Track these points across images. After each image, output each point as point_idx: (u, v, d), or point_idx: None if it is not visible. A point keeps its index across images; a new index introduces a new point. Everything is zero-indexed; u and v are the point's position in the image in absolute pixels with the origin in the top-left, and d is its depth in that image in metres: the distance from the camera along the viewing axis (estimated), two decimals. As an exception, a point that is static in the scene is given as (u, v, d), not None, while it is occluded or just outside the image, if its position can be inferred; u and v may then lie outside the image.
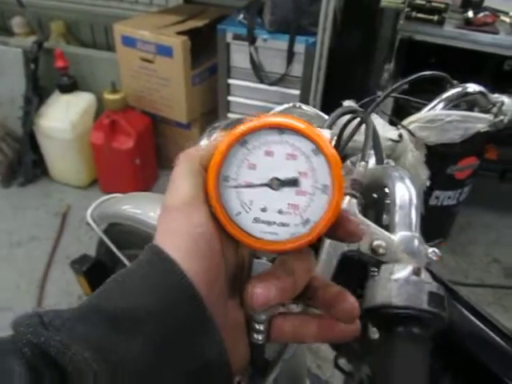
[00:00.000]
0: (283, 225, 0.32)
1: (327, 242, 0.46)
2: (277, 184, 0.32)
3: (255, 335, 0.35)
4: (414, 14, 1.79)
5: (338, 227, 0.33)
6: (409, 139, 0.67)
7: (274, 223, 0.32)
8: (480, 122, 0.67)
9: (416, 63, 1.83)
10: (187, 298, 0.29)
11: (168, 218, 0.32)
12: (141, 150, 2.26)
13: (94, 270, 1.19)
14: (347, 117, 0.52)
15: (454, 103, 0.71)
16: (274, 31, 1.89)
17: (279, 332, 0.36)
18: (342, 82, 2.05)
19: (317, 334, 0.35)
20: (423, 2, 1.76)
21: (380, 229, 0.44)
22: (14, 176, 2.50)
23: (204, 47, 2.14)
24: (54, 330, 0.25)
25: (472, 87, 0.72)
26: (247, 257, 0.36)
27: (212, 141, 0.34)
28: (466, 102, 0.76)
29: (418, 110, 0.72)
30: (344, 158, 0.66)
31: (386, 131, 0.68)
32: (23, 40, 2.52)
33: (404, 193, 0.47)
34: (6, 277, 1.96)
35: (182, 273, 0.29)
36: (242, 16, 2.00)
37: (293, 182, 0.32)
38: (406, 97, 0.78)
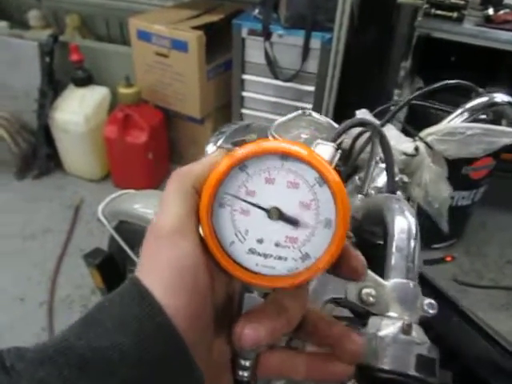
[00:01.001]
0: (280, 258, 0.30)
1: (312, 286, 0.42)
2: (276, 214, 0.29)
3: (240, 372, 0.32)
4: (432, 10, 1.76)
5: (340, 263, 0.30)
6: (426, 152, 0.63)
7: (271, 256, 0.30)
8: (506, 136, 0.62)
9: (434, 61, 1.82)
10: (164, 337, 0.26)
11: (153, 245, 0.29)
12: (154, 144, 2.27)
13: (107, 264, 1.19)
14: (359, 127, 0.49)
15: (479, 114, 0.67)
16: (290, 27, 1.88)
17: (265, 367, 0.33)
18: (358, 79, 2.03)
19: (306, 372, 0.32)
20: (442, -1, 1.73)
21: (371, 273, 0.39)
22: (29, 169, 2.52)
23: (219, 42, 2.13)
24: (16, 376, 0.23)
25: (500, 97, 0.67)
26: (238, 290, 0.34)
27: (209, 158, 0.32)
28: (492, 113, 0.71)
29: (437, 117, 0.68)
30: (355, 170, 0.63)
31: (401, 143, 0.63)
32: (39, 33, 2.53)
33: (403, 231, 0.42)
34: (19, 268, 1.98)
35: (160, 309, 0.26)
36: (257, 11, 1.98)
37: (292, 222, 0.29)
38: (426, 103, 0.74)
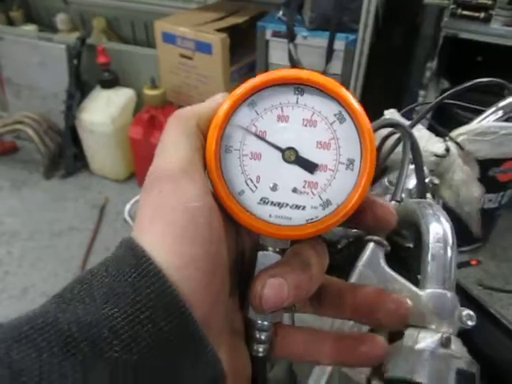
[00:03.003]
0: (297, 207, 0.26)
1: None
2: (292, 156, 0.26)
3: (255, 346, 0.28)
4: (459, 11, 1.73)
5: (364, 212, 0.27)
6: (457, 153, 0.61)
7: (287, 205, 0.26)
8: None
9: (461, 61, 1.79)
10: (166, 306, 0.21)
11: (155, 191, 0.24)
12: (178, 145, 2.28)
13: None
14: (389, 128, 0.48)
15: None
16: (314, 28, 1.88)
17: (287, 347, 0.29)
18: (382, 80, 2.02)
19: (333, 355, 0.29)
20: (469, -1, 1.71)
21: (407, 283, 0.37)
22: (56, 168, 2.57)
23: (243, 44, 2.14)
24: None
25: None
26: (249, 248, 0.29)
27: (213, 98, 0.28)
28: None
29: (465, 117, 0.66)
30: (383, 172, 0.62)
31: (432, 144, 0.61)
32: (67, 36, 2.59)
33: (439, 239, 0.39)
34: (47, 265, 2.02)
35: (160, 273, 0.21)
36: (281, 13, 1.99)
37: (310, 165, 0.26)
38: (458, 103, 0.72)
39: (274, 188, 0.26)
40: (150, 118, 2.22)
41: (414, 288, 0.37)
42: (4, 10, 2.91)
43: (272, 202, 0.26)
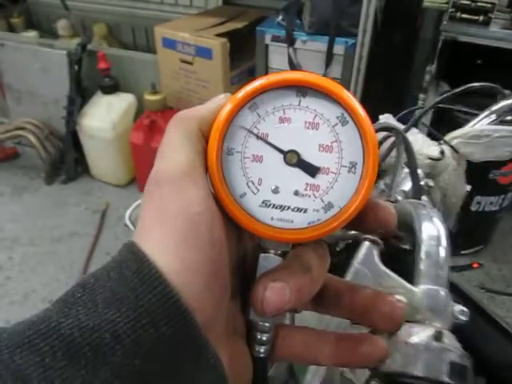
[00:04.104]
0: (299, 210, 0.26)
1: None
2: (294, 158, 0.26)
3: (256, 347, 0.28)
4: (458, 14, 1.74)
5: (366, 214, 0.26)
6: (451, 156, 0.62)
7: (288, 208, 0.26)
8: None
9: (460, 64, 1.79)
10: (168, 311, 0.21)
11: (156, 195, 0.24)
12: (178, 150, 2.29)
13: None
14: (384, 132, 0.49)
15: (506, 116, 0.65)
16: (313, 33, 1.88)
17: (288, 348, 0.29)
18: (382, 84, 2.02)
19: (333, 355, 0.29)
20: (468, 2, 1.71)
21: (401, 280, 0.39)
22: (57, 174, 2.58)
23: (243, 48, 2.15)
24: None
25: None
26: (251, 249, 0.29)
27: (214, 100, 0.27)
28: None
29: (464, 120, 0.67)
30: (379, 175, 0.62)
31: (427, 147, 0.62)
32: (67, 42, 2.61)
33: (432, 237, 0.41)
34: (48, 270, 2.02)
35: (161, 277, 0.21)
36: (280, 18, 2.00)
37: (312, 168, 0.26)
38: (452, 107, 0.73)
39: (276, 191, 0.26)
40: (150, 123, 2.22)
41: (407, 285, 0.38)
42: (5, 17, 2.93)
43: (274, 205, 0.26)
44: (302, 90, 0.26)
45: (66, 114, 2.40)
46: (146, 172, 0.26)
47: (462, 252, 2.04)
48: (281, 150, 0.26)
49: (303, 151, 0.26)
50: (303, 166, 0.26)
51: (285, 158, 0.26)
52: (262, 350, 0.28)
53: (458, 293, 0.44)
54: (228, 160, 0.26)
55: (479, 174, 1.76)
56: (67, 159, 2.53)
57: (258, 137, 0.26)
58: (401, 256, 0.49)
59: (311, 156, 0.26)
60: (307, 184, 0.26)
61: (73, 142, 2.46)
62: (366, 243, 0.39)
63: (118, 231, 2.20)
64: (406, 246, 0.51)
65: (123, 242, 0.24)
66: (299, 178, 0.26)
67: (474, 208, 1.88)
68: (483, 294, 1.88)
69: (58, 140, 2.54)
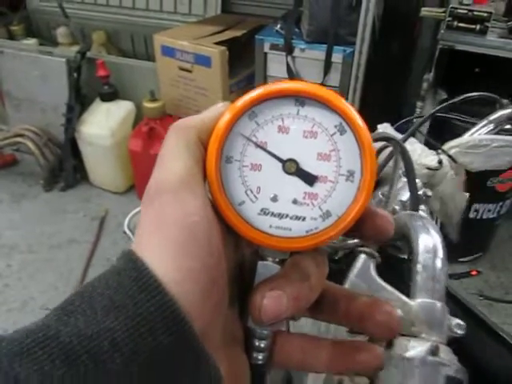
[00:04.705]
0: (297, 218, 0.26)
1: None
2: (292, 167, 0.26)
3: (254, 354, 0.28)
4: (455, 23, 1.75)
5: (364, 222, 0.27)
6: (449, 166, 0.62)
7: (287, 216, 0.26)
8: None
9: (458, 72, 1.81)
10: (166, 320, 0.21)
11: (155, 203, 0.24)
12: (177, 157, 2.29)
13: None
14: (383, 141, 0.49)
15: (504, 125, 0.66)
16: (312, 41, 1.90)
17: (284, 355, 0.29)
18: (381, 92, 2.03)
19: (329, 362, 0.29)
20: (465, 11, 1.72)
21: (397, 293, 0.39)
22: (56, 181, 2.58)
23: (241, 57, 2.16)
24: None
25: None
26: (249, 257, 0.30)
27: (212, 109, 0.28)
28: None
29: (462, 129, 0.67)
30: (377, 184, 0.63)
31: (425, 157, 0.62)
32: (67, 50, 2.61)
33: (428, 250, 0.40)
34: (46, 278, 2.02)
35: (160, 286, 0.21)
36: (279, 26, 2.01)
37: (311, 177, 0.26)
38: (450, 116, 0.74)
39: (274, 199, 0.26)
40: (149, 130, 2.23)
41: (404, 298, 0.38)
42: (5, 24, 2.93)
43: (272, 213, 0.27)
44: (301, 99, 0.26)
45: (64, 121, 2.41)
46: (145, 179, 0.26)
47: (461, 259, 2.05)
48: (280, 159, 0.26)
49: (302, 160, 0.26)
50: (301, 175, 0.26)
51: (283, 167, 0.26)
52: (260, 357, 0.29)
53: (455, 302, 0.44)
54: (227, 168, 0.27)
55: (477, 181, 1.77)
56: (66, 166, 2.53)
57: (256, 145, 0.26)
58: (398, 265, 0.49)
59: (310, 165, 0.26)
60: (305, 193, 0.26)
61: (72, 149, 2.46)
62: (362, 256, 0.39)
63: (117, 238, 2.19)
64: (404, 256, 0.51)
65: (122, 249, 0.24)
66: (297, 186, 0.26)
67: (472, 215, 1.89)
68: (482, 301, 1.88)
69: (56, 147, 2.54)
